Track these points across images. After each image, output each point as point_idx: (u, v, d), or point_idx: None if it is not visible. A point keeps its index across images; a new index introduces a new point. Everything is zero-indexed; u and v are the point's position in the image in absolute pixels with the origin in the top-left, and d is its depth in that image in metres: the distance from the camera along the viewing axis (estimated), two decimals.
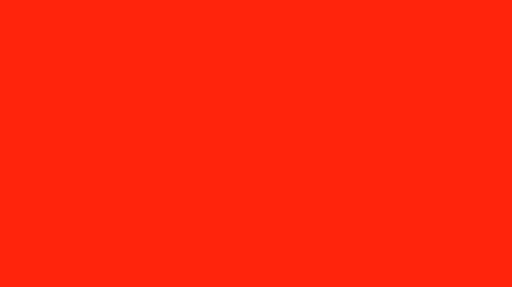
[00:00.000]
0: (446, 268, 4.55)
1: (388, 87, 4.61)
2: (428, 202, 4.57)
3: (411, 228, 4.57)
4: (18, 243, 4.58)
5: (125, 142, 4.62)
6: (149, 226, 4.59)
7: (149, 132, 4.62)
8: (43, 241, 4.58)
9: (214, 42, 4.64)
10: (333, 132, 4.60)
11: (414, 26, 4.62)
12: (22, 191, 4.59)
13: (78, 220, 4.58)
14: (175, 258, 4.58)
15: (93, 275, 4.57)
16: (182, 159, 4.62)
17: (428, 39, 4.61)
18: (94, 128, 4.62)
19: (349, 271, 4.55)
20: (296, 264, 4.56)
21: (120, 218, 4.59)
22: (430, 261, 4.55)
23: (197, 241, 4.59)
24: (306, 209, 4.58)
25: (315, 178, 4.59)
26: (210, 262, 4.57)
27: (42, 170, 4.60)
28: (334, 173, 4.59)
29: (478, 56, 4.60)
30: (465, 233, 4.56)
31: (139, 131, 4.62)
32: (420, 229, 4.56)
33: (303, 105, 4.61)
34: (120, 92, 4.63)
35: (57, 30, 4.64)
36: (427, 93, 4.61)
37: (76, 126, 4.62)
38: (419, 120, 4.60)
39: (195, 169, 4.61)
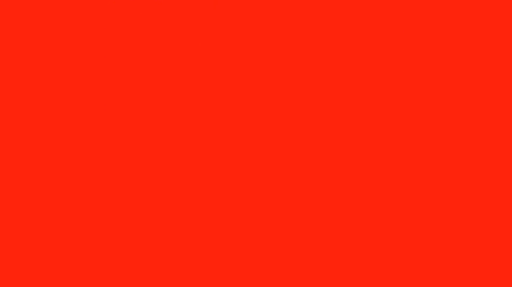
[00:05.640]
0: (446, 268, 4.56)
1: (388, 87, 4.62)
2: (428, 202, 4.58)
3: (411, 228, 4.57)
4: (18, 243, 4.58)
5: (125, 142, 4.62)
6: (149, 227, 4.59)
7: (149, 132, 4.62)
8: (43, 241, 4.59)
9: (214, 42, 4.64)
10: (333, 133, 4.60)
11: (414, 26, 4.62)
12: (22, 191, 4.59)
13: (78, 220, 4.59)
14: (175, 258, 4.58)
15: (93, 275, 4.58)
16: (182, 159, 4.62)
17: (428, 39, 4.61)
18: (94, 128, 4.62)
19: (348, 271, 4.56)
20: (296, 264, 4.57)
21: (120, 218, 4.60)
22: (430, 261, 4.56)
23: (197, 241, 4.59)
24: (305, 210, 4.59)
25: (315, 178, 4.59)
26: (210, 262, 4.58)
27: (42, 170, 4.60)
28: (333, 173, 4.59)
29: (478, 56, 4.61)
30: (465, 233, 4.57)
31: (139, 131, 4.63)
32: (420, 229, 4.57)
33: (303, 106, 4.62)
34: (120, 92, 4.63)
35: (57, 30, 4.64)
36: (427, 93, 4.61)
37: (76, 126, 4.62)
38: (419, 120, 4.60)
39: (195, 169, 4.61)
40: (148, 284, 4.57)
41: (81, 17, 4.65)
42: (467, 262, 4.55)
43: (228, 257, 4.58)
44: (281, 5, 4.63)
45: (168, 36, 4.64)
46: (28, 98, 4.62)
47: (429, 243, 4.56)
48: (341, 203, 4.58)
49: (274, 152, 4.61)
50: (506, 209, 4.55)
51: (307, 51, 4.63)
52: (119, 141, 4.62)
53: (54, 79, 4.64)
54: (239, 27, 4.64)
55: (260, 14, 4.64)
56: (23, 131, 4.61)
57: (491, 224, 4.55)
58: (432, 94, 4.61)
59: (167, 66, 4.65)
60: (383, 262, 4.56)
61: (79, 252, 4.58)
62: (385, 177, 4.59)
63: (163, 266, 4.58)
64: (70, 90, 4.64)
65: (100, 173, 4.61)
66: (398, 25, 4.62)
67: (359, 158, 4.60)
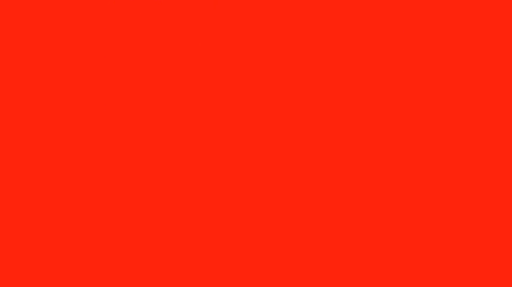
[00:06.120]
0: (446, 268, 4.56)
1: (388, 88, 4.62)
2: (428, 202, 4.58)
3: (411, 228, 4.57)
4: (18, 243, 4.58)
5: (125, 142, 4.62)
6: (149, 226, 4.60)
7: (149, 132, 4.63)
8: (43, 241, 4.59)
9: (214, 42, 4.65)
10: (333, 133, 4.60)
11: (414, 26, 4.62)
12: (22, 191, 4.59)
13: (78, 220, 4.59)
14: (175, 258, 4.58)
15: (93, 275, 4.58)
16: (182, 159, 4.62)
17: (428, 39, 4.62)
18: (94, 128, 4.62)
19: (348, 271, 4.56)
20: (296, 264, 4.57)
21: (120, 218, 4.60)
22: (430, 261, 4.56)
23: (197, 241, 4.59)
24: (305, 210, 4.59)
25: (315, 178, 4.60)
26: (210, 262, 4.58)
27: (42, 170, 4.61)
28: (334, 173, 4.60)
29: (478, 56, 4.61)
30: (465, 233, 4.57)
31: (139, 132, 4.63)
32: (420, 229, 4.57)
33: (303, 105, 4.62)
34: (120, 92, 4.63)
35: (57, 30, 4.65)
36: (427, 93, 4.61)
37: (76, 126, 4.62)
38: (419, 120, 4.61)
39: (195, 169, 4.62)
40: (148, 284, 4.57)
41: (81, 17, 4.65)
42: (467, 262, 4.55)
43: (228, 257, 4.58)
44: (281, 5, 4.63)
45: (168, 36, 4.65)
46: (28, 98, 4.63)
47: (429, 243, 4.56)
48: (341, 203, 4.59)
49: (274, 152, 4.62)
50: (506, 209, 4.56)
51: (307, 51, 4.63)
52: (119, 141, 4.63)
53: (54, 79, 4.64)
54: (239, 27, 4.65)
55: (260, 14, 4.64)
56: (23, 131, 4.61)
57: (491, 224, 4.56)
58: (432, 94, 4.61)
59: (167, 66, 4.65)
60: (383, 262, 4.56)
61: (79, 252, 4.58)
62: (385, 177, 4.59)
63: (163, 266, 4.58)
64: (70, 90, 4.64)
65: (100, 172, 4.62)
66: (399, 25, 4.62)
67: (359, 158, 4.60)
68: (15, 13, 4.65)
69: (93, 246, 4.59)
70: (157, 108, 4.64)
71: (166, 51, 4.65)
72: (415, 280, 4.55)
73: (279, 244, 4.58)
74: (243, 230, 4.59)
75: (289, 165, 4.61)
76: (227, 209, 4.60)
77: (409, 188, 4.58)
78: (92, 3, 4.65)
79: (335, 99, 4.62)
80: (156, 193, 4.61)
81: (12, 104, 4.62)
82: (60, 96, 4.63)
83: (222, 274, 4.58)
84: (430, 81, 4.62)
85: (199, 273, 4.58)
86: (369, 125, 4.61)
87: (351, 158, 4.60)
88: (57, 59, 4.64)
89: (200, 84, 4.64)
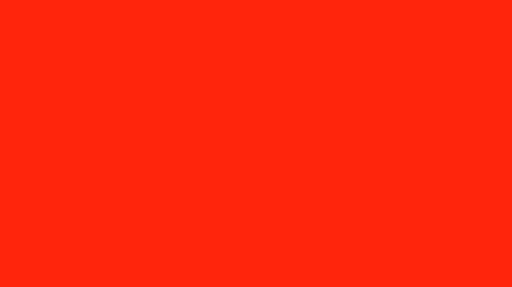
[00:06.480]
0: (446, 268, 4.56)
1: (388, 88, 4.62)
2: (428, 202, 4.58)
3: (411, 228, 4.57)
4: (18, 243, 4.58)
5: (125, 142, 4.63)
6: (149, 226, 4.60)
7: (149, 132, 4.63)
8: (43, 241, 4.59)
9: (214, 42, 4.65)
10: (333, 133, 4.61)
11: (414, 26, 4.62)
12: (22, 191, 4.59)
13: (78, 220, 4.59)
14: (175, 258, 4.58)
15: (93, 275, 4.58)
16: (182, 159, 4.62)
17: (428, 39, 4.62)
18: (94, 128, 4.63)
19: (348, 271, 4.56)
20: (296, 264, 4.57)
21: (120, 218, 4.60)
22: (430, 261, 4.56)
23: (197, 241, 4.59)
24: (305, 210, 4.59)
25: (315, 178, 4.60)
26: (210, 262, 4.58)
27: (42, 170, 4.61)
28: (333, 173, 4.60)
29: (478, 56, 4.61)
30: (465, 233, 4.57)
31: (139, 132, 4.63)
32: (420, 229, 4.57)
33: (303, 105, 4.62)
34: (120, 92, 4.64)
35: (57, 30, 4.65)
36: (427, 93, 4.61)
37: (76, 126, 4.63)
38: (419, 120, 4.61)
39: (195, 169, 4.62)
40: (148, 284, 4.57)
41: (81, 17, 4.65)
42: (467, 262, 4.55)
43: (228, 257, 4.58)
44: (281, 5, 4.64)
45: (168, 36, 4.65)
46: (28, 98, 4.63)
47: (429, 243, 4.57)
48: (341, 203, 4.59)
49: (274, 152, 4.62)
50: (506, 209, 4.56)
51: (307, 51, 4.63)
52: (119, 141, 4.63)
53: (54, 79, 4.64)
54: (239, 27, 4.65)
55: (260, 14, 4.64)
56: (23, 131, 4.62)
57: (491, 224, 4.56)
58: (432, 94, 4.61)
59: (167, 66, 4.65)
60: (383, 262, 4.56)
61: (79, 252, 4.58)
62: (385, 177, 4.59)
63: (163, 266, 4.58)
64: (70, 90, 4.64)
65: (100, 173, 4.62)
66: (399, 25, 4.63)
67: (359, 159, 4.60)
68: (15, 13, 4.65)
69: (93, 246, 4.59)
70: (157, 108, 4.64)
71: (166, 51, 4.65)
72: (415, 280, 4.55)
73: (279, 244, 4.58)
74: (243, 230, 4.59)
75: (289, 165, 4.61)
76: (227, 209, 4.60)
77: (409, 188, 4.58)
78: (92, 3, 4.65)
79: (335, 99, 4.62)
80: (155, 193, 4.61)
81: (12, 104, 4.62)
82: (60, 96, 4.64)
83: (222, 274, 4.58)
84: (430, 81, 4.62)
85: (199, 273, 4.58)
86: (369, 125, 4.61)
87: (351, 158, 4.60)
88: (57, 59, 4.64)
89: (200, 85, 4.65)
